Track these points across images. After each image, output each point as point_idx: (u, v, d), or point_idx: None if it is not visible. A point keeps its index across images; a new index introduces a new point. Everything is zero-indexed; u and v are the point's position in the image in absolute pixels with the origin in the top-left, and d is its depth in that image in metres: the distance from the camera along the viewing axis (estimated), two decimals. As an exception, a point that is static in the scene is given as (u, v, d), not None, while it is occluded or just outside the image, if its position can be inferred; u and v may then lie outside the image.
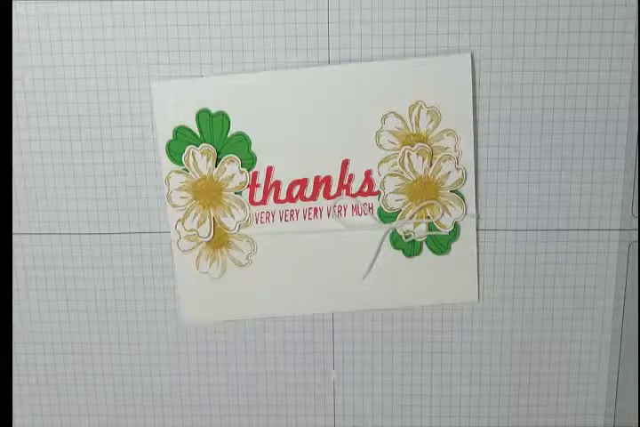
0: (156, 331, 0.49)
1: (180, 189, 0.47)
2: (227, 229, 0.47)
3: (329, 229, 0.47)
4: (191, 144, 0.46)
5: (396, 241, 0.47)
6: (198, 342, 0.49)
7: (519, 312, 0.49)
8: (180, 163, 0.46)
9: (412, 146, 0.46)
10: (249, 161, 0.46)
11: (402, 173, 0.46)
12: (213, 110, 0.45)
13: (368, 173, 0.46)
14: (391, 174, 0.46)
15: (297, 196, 0.46)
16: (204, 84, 0.45)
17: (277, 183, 0.46)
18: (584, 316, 0.49)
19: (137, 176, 0.47)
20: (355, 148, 0.46)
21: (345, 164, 0.46)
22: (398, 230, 0.47)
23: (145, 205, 0.47)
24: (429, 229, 0.47)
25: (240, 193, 0.47)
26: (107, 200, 0.47)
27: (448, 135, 0.46)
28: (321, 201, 0.47)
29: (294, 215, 0.47)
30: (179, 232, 0.47)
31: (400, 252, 0.47)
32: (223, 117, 0.45)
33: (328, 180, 0.46)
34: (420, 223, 0.47)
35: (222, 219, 0.47)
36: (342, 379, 0.49)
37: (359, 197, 0.47)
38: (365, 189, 0.46)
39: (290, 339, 0.49)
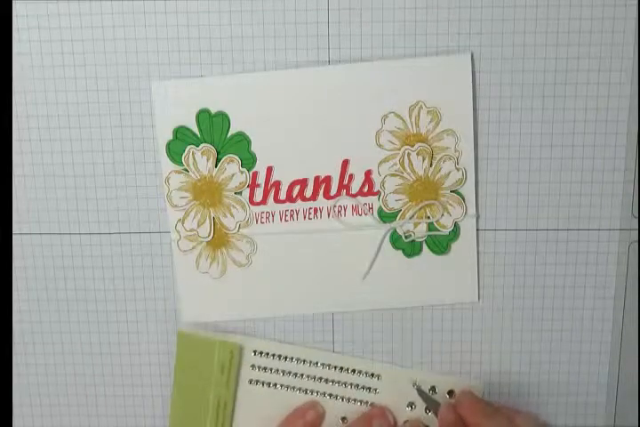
0: (156, 331, 0.49)
1: (180, 189, 0.47)
2: (227, 229, 0.47)
3: (329, 229, 0.47)
4: (191, 144, 0.46)
5: (395, 241, 0.47)
6: (198, 342, 0.49)
7: (519, 312, 0.49)
8: (180, 163, 0.46)
9: (412, 146, 0.46)
10: (249, 161, 0.46)
11: (402, 173, 0.46)
12: (213, 110, 0.45)
13: (368, 174, 0.46)
14: (391, 174, 0.46)
15: (297, 196, 0.46)
16: (204, 84, 0.45)
17: (277, 183, 0.46)
18: (584, 316, 0.49)
19: (137, 176, 0.47)
20: (355, 148, 0.46)
21: (345, 164, 0.46)
22: (398, 230, 0.47)
23: (145, 205, 0.47)
24: (429, 229, 0.47)
25: (240, 193, 0.47)
26: (107, 200, 0.47)
27: (448, 135, 0.46)
28: (321, 201, 0.47)
29: (294, 215, 0.47)
30: (179, 232, 0.47)
31: (400, 252, 0.47)
32: (223, 117, 0.45)
33: (328, 180, 0.46)
34: (419, 223, 0.47)
35: (222, 219, 0.47)
36: (342, 379, 0.50)
37: (359, 197, 0.47)
38: (365, 189, 0.46)
39: (290, 339, 0.49)
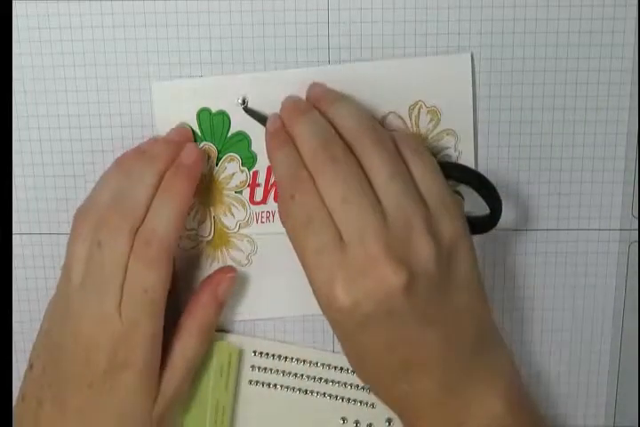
0: (156, 331, 0.49)
1: (180, 188, 0.46)
2: (227, 228, 0.47)
3: (329, 229, 0.47)
4: (191, 143, 0.46)
5: (396, 241, 0.47)
6: (198, 343, 0.49)
7: (519, 313, 0.48)
8: (181, 162, 0.46)
9: (413, 146, 0.46)
10: (249, 160, 0.46)
11: (402, 172, 0.46)
12: (214, 110, 0.45)
13: (368, 173, 0.46)
14: (391, 174, 0.46)
15: (297, 196, 0.46)
16: (204, 84, 0.45)
17: (278, 183, 0.46)
18: (584, 316, 0.49)
19: (137, 176, 0.47)
20: (355, 147, 0.46)
21: (345, 163, 0.46)
22: (398, 230, 0.47)
23: (145, 205, 0.47)
24: (429, 229, 0.47)
25: (240, 192, 0.46)
26: (107, 200, 0.47)
27: (448, 135, 0.46)
28: (321, 201, 0.46)
29: (294, 215, 0.47)
30: (179, 232, 0.47)
31: (400, 252, 0.47)
32: (224, 117, 0.45)
33: (328, 179, 0.46)
34: (420, 223, 0.47)
35: (223, 218, 0.47)
36: (342, 379, 0.49)
37: (359, 197, 0.46)
38: (365, 189, 0.46)
39: (290, 339, 0.49)
